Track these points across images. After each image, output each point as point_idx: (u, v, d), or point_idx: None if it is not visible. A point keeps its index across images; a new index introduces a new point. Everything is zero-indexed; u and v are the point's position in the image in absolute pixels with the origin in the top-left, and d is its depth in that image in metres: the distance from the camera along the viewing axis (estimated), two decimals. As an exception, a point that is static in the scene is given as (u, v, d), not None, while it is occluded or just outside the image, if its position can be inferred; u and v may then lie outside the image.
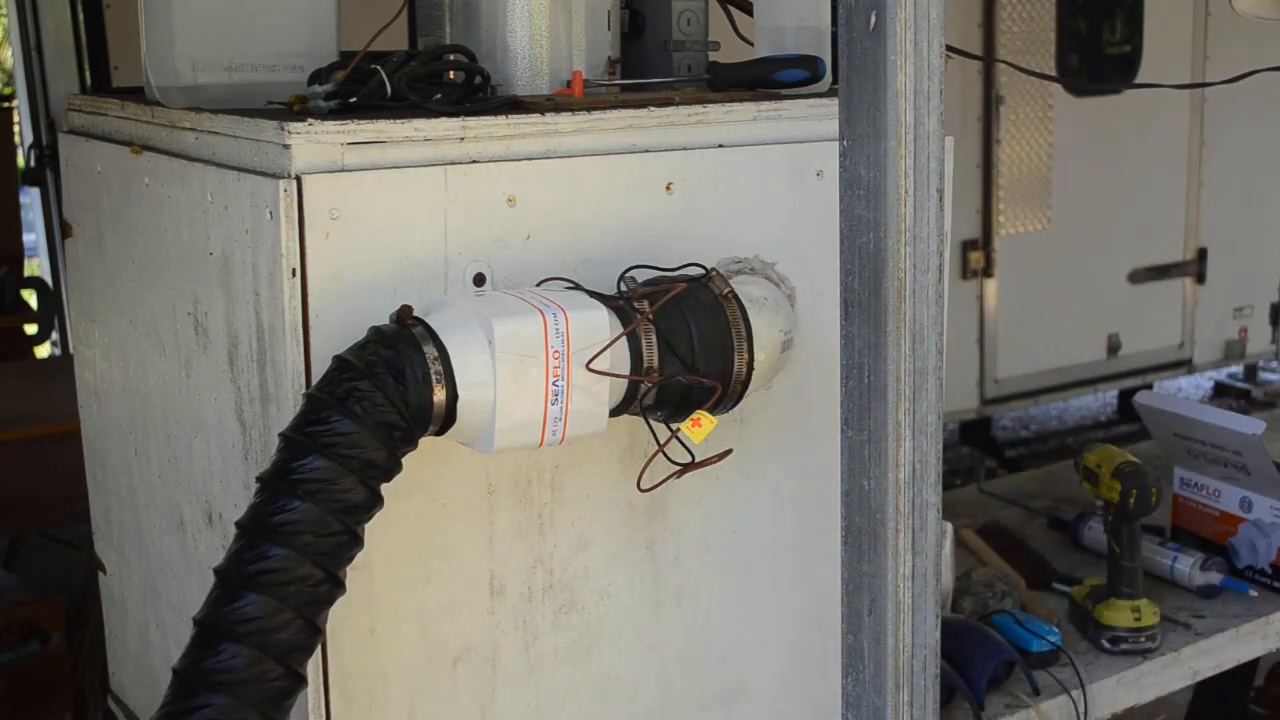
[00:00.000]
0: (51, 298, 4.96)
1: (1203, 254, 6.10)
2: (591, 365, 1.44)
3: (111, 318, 1.94)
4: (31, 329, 4.98)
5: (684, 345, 1.52)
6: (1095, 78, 5.77)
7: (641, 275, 1.58)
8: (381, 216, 1.48)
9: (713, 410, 1.55)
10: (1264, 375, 7.32)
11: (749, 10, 1.93)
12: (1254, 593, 2.38)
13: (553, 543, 1.66)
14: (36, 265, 5.61)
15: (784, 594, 1.85)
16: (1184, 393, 7.29)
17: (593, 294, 1.52)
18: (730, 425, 1.70)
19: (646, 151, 1.66)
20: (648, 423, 1.55)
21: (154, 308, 1.78)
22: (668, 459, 1.56)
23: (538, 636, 1.67)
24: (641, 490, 1.56)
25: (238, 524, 1.36)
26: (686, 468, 1.57)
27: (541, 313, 1.43)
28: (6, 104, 5.13)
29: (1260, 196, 6.19)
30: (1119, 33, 5.70)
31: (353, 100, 1.53)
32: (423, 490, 1.55)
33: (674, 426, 1.56)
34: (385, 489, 1.39)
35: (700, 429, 1.55)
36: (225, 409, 1.62)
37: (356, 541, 1.37)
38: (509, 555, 1.63)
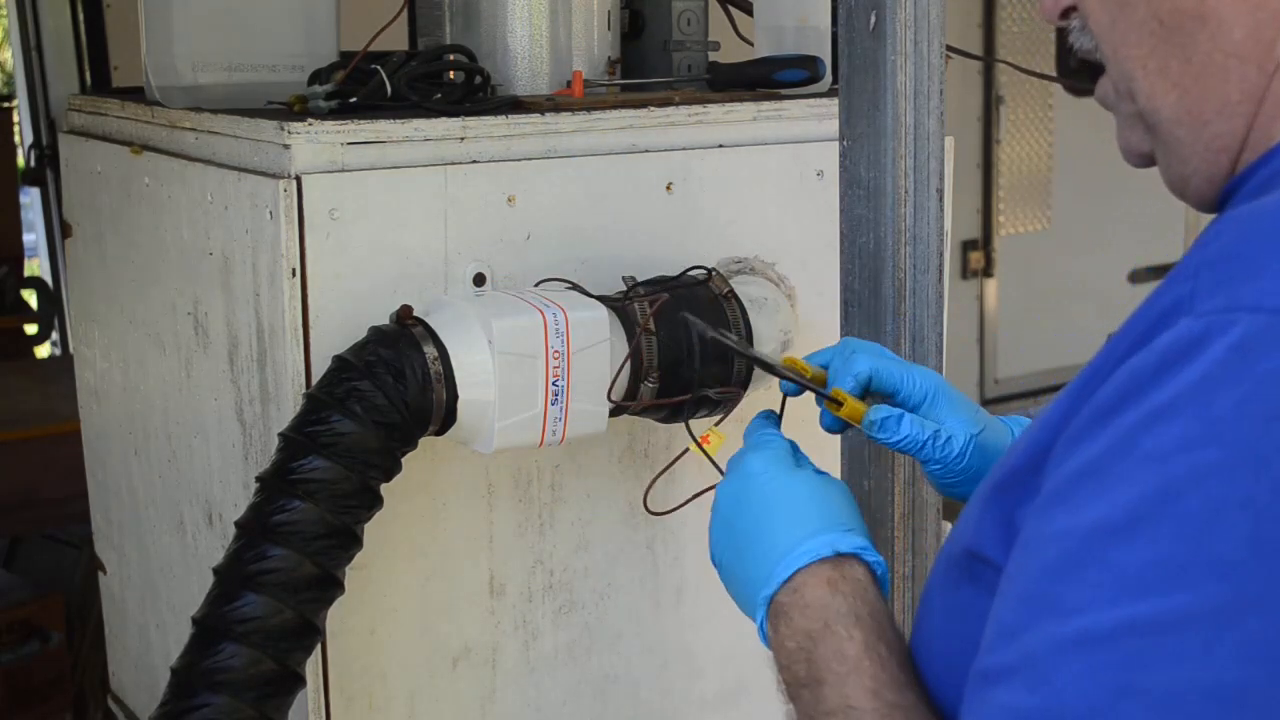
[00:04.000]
0: (51, 298, 4.95)
1: (1203, 254, 6.09)
2: (591, 360, 1.44)
3: (111, 318, 1.94)
4: (31, 329, 4.98)
5: (684, 346, 1.52)
6: (1095, 78, 5.76)
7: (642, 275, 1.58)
8: (381, 216, 1.48)
9: (711, 412, 1.55)
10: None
11: (749, 10, 1.93)
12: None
13: (553, 543, 1.66)
14: (36, 265, 5.60)
15: (784, 594, 1.84)
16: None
17: (592, 294, 1.52)
18: (731, 425, 1.70)
19: (646, 151, 1.66)
20: (688, 428, 1.47)
21: (154, 308, 1.78)
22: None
23: (538, 636, 1.67)
24: (652, 513, 1.46)
25: (237, 524, 1.36)
26: (707, 490, 1.54)
27: (541, 312, 1.43)
28: (6, 104, 5.13)
29: (1260, 196, 6.18)
30: (1119, 33, 5.70)
31: (353, 100, 1.53)
32: (423, 490, 1.55)
33: (684, 446, 1.53)
34: (385, 489, 1.39)
35: (709, 445, 1.54)
36: (225, 409, 1.62)
37: (356, 541, 1.37)
38: (509, 555, 1.63)
